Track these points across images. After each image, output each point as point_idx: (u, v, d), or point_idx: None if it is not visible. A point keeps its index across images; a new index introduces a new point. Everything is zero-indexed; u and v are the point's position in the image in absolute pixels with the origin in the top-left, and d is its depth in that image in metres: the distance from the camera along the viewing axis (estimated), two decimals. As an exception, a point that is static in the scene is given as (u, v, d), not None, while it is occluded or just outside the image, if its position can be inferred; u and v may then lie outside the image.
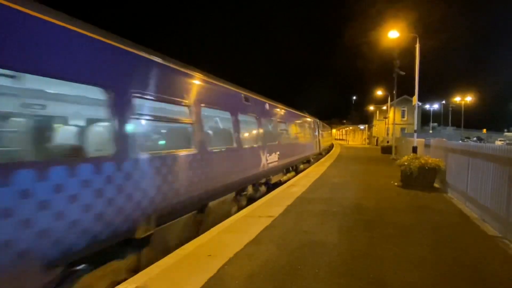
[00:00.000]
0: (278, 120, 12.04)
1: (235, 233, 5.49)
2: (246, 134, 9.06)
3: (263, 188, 10.04)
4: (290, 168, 13.88)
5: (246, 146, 8.41)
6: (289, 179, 12.34)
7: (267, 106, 10.72)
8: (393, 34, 16.43)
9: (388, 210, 7.25)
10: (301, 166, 16.49)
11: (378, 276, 3.89)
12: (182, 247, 4.88)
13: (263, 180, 9.97)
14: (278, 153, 11.09)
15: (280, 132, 12.36)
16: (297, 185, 10.54)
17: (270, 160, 10.17)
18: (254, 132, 9.58)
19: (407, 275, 3.93)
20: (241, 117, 8.24)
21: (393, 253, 4.66)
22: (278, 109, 12.30)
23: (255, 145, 9.13)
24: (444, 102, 73.61)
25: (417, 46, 14.36)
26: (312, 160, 19.90)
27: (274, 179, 11.21)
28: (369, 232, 5.66)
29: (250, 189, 8.78)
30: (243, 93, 8.64)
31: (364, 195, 9.04)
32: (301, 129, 17.12)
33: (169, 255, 4.52)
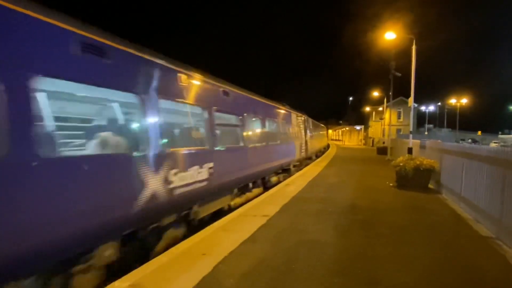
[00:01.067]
0: (219, 108, 7.15)
1: (230, 232, 5.48)
2: (100, 132, 4.58)
3: (172, 233, 5.52)
4: (250, 185, 9.21)
5: (94, 155, 4.21)
6: (249, 201, 8.42)
7: (185, 81, 5.77)
8: (389, 35, 16.50)
9: (383, 210, 7.28)
10: (274, 179, 11.71)
11: (372, 276, 3.90)
12: (176, 245, 4.86)
13: (172, 218, 5.37)
14: (210, 165, 6.23)
15: (224, 130, 7.67)
16: (293, 185, 10.55)
17: (186, 178, 5.45)
18: (136, 127, 5.07)
19: (401, 275, 3.95)
20: (88, 91, 4.24)
21: (388, 252, 4.68)
22: (221, 93, 7.42)
23: (131, 154, 4.43)
24: (439, 104, 74.06)
25: (414, 47, 14.42)
26: (293, 169, 14.70)
27: (207, 209, 6.58)
28: (364, 231, 5.67)
29: (108, 251, 4.07)
30: (93, 38, 3.91)
31: (359, 195, 9.06)
32: (274, 127, 11.97)
33: (163, 254, 4.50)
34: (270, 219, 6.31)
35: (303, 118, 18.74)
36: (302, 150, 17.20)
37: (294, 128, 15.74)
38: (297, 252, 4.61)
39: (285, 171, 13.54)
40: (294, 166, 15.35)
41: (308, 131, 20.09)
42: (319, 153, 28.14)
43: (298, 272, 3.96)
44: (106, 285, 3.60)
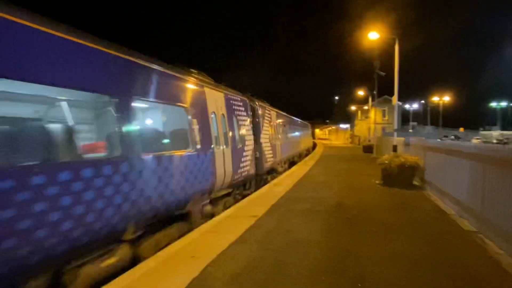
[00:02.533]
0: None
1: (219, 234, 5.47)
2: None
3: None
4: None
5: None
6: None
7: None
8: (373, 35, 16.78)
9: (369, 208, 7.39)
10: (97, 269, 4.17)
11: (359, 273, 3.96)
12: (165, 249, 4.82)
13: None
14: None
15: None
16: (281, 185, 10.60)
17: None
18: None
19: (386, 271, 4.02)
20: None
21: (374, 250, 4.76)
22: None
23: None
24: (423, 101, 75.64)
25: (396, 47, 14.72)
26: (199, 219, 6.69)
27: None
28: (351, 230, 5.75)
29: None
30: None
31: (346, 193, 9.18)
32: (117, 115, 4.54)
33: (151, 258, 4.46)
34: (259, 220, 6.32)
35: (248, 105, 10.67)
36: (245, 165, 9.60)
37: (218, 121, 7.91)
38: (285, 252, 4.64)
39: (180, 219, 6.15)
40: (215, 200, 7.71)
41: (266, 129, 12.71)
42: (297, 159, 21.21)
43: (287, 272, 3.99)
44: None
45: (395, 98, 14.98)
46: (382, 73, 21.99)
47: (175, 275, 3.87)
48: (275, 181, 11.77)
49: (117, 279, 3.79)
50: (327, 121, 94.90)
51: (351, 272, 3.99)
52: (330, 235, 5.43)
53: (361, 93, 44.98)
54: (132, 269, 4.07)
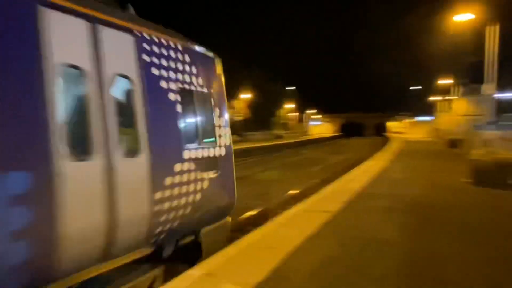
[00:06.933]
0: None
1: (292, 228, 5.51)
2: None
3: None
4: None
5: None
6: None
7: None
8: (464, 17, 14.93)
9: (453, 209, 6.79)
10: None
11: (441, 278, 3.70)
12: (243, 238, 5.04)
13: None
14: None
15: None
16: (356, 181, 10.24)
17: None
18: None
19: (471, 278, 3.69)
20: None
21: (458, 254, 4.38)
22: None
23: None
24: (522, 89, 65.60)
25: (497, 28, 12.94)
26: None
27: None
28: (433, 231, 5.37)
29: None
30: None
31: (428, 192, 8.52)
32: None
33: (231, 245, 4.71)
34: (333, 216, 6.20)
35: None
36: None
37: None
38: (363, 251, 4.49)
39: None
40: None
41: None
42: None
43: (365, 272, 3.86)
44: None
45: (489, 87, 13.27)
46: (476, 59, 19.60)
47: (255, 264, 4.02)
48: (349, 177, 11.41)
49: (201, 263, 4.09)
50: (400, 113, 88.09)
51: (433, 276, 3.74)
52: (410, 236, 5.12)
53: (444, 82, 40.84)
54: (214, 256, 4.33)
